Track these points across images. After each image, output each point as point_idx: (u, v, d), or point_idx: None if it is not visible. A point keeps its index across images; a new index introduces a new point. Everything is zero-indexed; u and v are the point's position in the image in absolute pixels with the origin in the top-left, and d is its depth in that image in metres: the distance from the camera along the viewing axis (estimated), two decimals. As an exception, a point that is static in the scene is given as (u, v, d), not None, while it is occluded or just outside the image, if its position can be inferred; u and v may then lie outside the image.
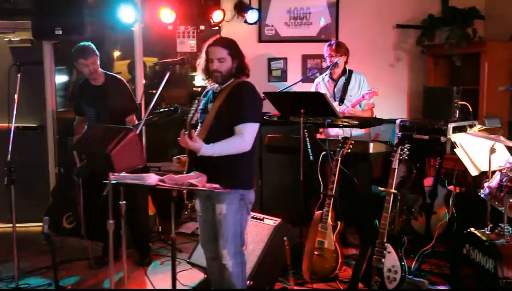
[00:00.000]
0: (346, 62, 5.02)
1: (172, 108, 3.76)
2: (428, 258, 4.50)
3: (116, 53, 6.60)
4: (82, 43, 4.60)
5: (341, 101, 4.94)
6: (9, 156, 3.98)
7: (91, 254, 4.51)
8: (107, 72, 4.78)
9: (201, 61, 3.31)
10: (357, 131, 4.77)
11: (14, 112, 4.00)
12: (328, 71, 5.06)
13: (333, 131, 4.93)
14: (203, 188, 2.59)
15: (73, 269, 4.69)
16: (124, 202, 2.97)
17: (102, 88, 4.63)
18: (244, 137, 3.15)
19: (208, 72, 3.26)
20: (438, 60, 5.95)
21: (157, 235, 5.57)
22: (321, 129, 4.79)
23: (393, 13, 6.11)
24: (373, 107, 5.02)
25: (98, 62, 4.60)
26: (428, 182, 4.90)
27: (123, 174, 2.65)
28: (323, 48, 5.03)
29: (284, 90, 5.08)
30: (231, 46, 3.24)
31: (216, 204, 3.19)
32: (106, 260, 4.70)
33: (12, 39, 6.14)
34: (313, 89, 5.20)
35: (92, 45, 4.61)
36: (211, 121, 3.20)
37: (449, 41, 5.56)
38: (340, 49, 4.93)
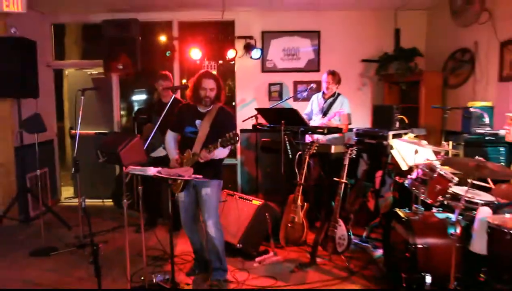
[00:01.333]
0: (337, 88, 5.02)
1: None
2: (376, 228, 4.48)
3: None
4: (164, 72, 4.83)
5: (324, 115, 4.93)
6: (75, 153, 4.10)
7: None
8: (175, 96, 4.85)
9: (191, 88, 3.36)
10: (333, 136, 4.79)
11: (79, 122, 4.06)
12: (322, 91, 5.09)
13: (315, 137, 4.86)
14: (188, 178, 2.67)
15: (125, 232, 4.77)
16: (141, 187, 3.05)
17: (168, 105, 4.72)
18: (227, 151, 3.33)
19: (199, 98, 3.31)
20: (391, 85, 5.89)
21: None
22: (310, 136, 4.84)
23: (359, 51, 6.10)
24: (349, 124, 4.93)
25: (170, 85, 4.74)
26: (380, 174, 4.86)
27: (133, 167, 2.73)
28: (322, 76, 5.09)
29: (271, 108, 5.09)
30: (217, 80, 3.36)
31: (202, 188, 3.33)
32: (146, 228, 4.80)
33: (93, 72, 6.41)
34: (310, 104, 5.20)
35: (170, 75, 4.81)
36: (206, 136, 3.28)
37: (397, 72, 5.53)
38: (335, 78, 4.97)
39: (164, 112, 3.87)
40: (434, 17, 5.91)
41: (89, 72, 6.44)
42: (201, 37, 5.91)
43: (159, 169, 2.69)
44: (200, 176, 2.73)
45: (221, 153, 3.26)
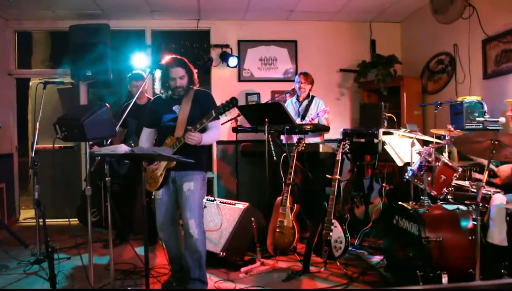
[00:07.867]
0: (310, 89, 4.61)
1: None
2: (367, 237, 4.00)
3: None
4: (136, 71, 4.31)
5: (303, 118, 4.51)
6: (33, 153, 3.43)
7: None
8: (149, 97, 4.35)
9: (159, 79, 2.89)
10: (313, 140, 4.36)
11: (40, 116, 3.42)
12: (296, 95, 4.66)
13: (295, 139, 4.40)
14: (168, 155, 2.10)
15: (92, 248, 4.09)
16: (109, 178, 2.42)
17: (145, 107, 4.16)
18: (219, 129, 2.90)
19: (170, 89, 2.83)
20: (370, 93, 5.56)
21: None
22: (285, 137, 4.33)
23: (336, 61, 5.78)
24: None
25: (145, 87, 4.21)
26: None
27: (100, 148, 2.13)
28: (294, 78, 4.68)
29: (253, 104, 4.64)
30: (186, 64, 2.90)
31: (184, 183, 2.76)
32: (116, 242, 4.20)
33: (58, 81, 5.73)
34: None
35: (143, 73, 4.27)
36: (187, 117, 2.77)
37: (377, 78, 5.22)
38: (308, 78, 4.57)
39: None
40: (408, 28, 5.74)
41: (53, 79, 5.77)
42: (175, 45, 5.43)
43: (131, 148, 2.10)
44: (181, 157, 2.16)
45: (211, 135, 2.79)
